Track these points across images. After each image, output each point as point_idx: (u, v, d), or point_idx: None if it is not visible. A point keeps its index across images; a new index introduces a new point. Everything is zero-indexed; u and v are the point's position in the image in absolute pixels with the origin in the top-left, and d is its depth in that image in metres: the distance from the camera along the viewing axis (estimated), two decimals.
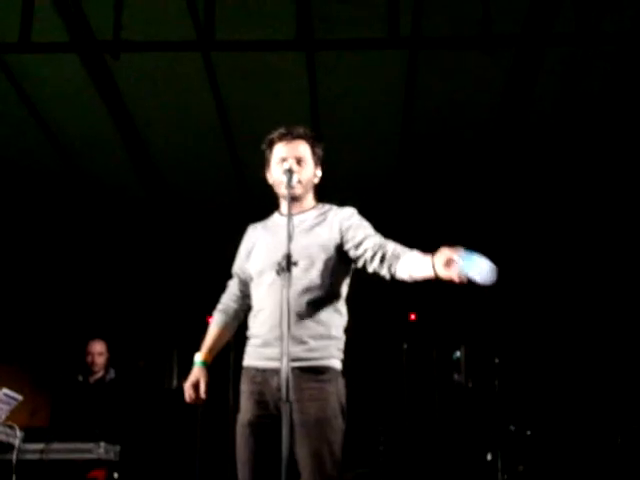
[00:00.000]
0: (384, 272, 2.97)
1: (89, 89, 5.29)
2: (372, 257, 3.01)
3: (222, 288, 3.43)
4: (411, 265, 2.86)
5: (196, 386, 3.18)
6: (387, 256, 2.96)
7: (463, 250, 2.67)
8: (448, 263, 2.65)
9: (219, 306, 3.39)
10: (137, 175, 6.60)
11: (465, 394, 8.09)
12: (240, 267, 3.35)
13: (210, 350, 3.29)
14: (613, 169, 6.51)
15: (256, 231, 3.35)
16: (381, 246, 3.00)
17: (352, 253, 3.09)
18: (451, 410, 8.00)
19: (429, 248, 2.71)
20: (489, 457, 6.20)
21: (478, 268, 2.64)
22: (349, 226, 3.13)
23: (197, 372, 3.21)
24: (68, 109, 5.64)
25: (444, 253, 2.67)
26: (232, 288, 3.39)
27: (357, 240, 3.07)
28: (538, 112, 5.72)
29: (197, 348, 3.19)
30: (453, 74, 5.29)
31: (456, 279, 2.64)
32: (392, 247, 2.98)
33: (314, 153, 3.29)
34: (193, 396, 3.17)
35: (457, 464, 7.48)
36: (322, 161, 3.36)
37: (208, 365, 3.25)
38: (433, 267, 2.71)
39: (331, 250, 3.14)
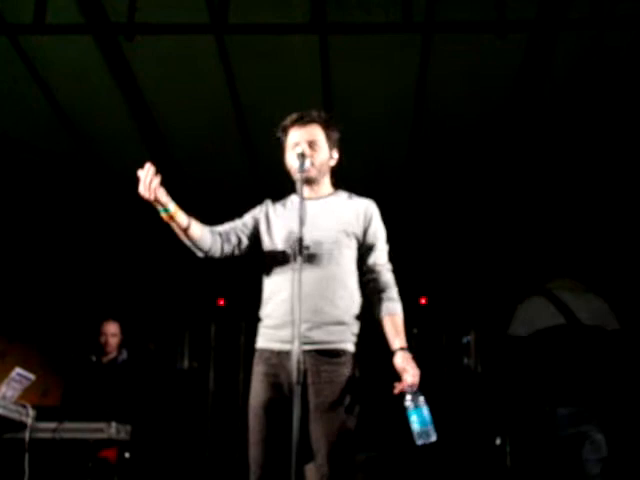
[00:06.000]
0: (367, 293, 3.21)
1: (103, 71, 5.30)
2: (370, 275, 3.21)
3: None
4: (387, 321, 3.13)
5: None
6: (377, 289, 3.19)
7: (421, 397, 2.95)
8: (403, 372, 2.99)
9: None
10: (150, 158, 6.60)
11: (474, 378, 8.12)
12: (245, 224, 3.35)
13: (184, 216, 3.19)
14: (627, 154, 6.47)
15: (275, 209, 3.36)
16: (380, 273, 3.21)
17: (360, 252, 3.23)
18: (460, 394, 8.03)
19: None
20: (498, 441, 6.22)
21: (421, 420, 2.91)
22: (375, 230, 3.25)
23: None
24: (81, 90, 5.64)
25: (408, 372, 2.99)
26: (223, 226, 3.37)
27: (370, 251, 3.23)
28: (552, 97, 5.69)
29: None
30: (466, 59, 5.26)
31: (404, 384, 2.98)
32: (386, 283, 3.20)
33: (328, 136, 3.30)
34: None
35: (466, 448, 7.51)
36: (339, 144, 3.37)
37: (170, 211, 3.15)
38: (394, 351, 3.05)
39: (351, 236, 3.18)
